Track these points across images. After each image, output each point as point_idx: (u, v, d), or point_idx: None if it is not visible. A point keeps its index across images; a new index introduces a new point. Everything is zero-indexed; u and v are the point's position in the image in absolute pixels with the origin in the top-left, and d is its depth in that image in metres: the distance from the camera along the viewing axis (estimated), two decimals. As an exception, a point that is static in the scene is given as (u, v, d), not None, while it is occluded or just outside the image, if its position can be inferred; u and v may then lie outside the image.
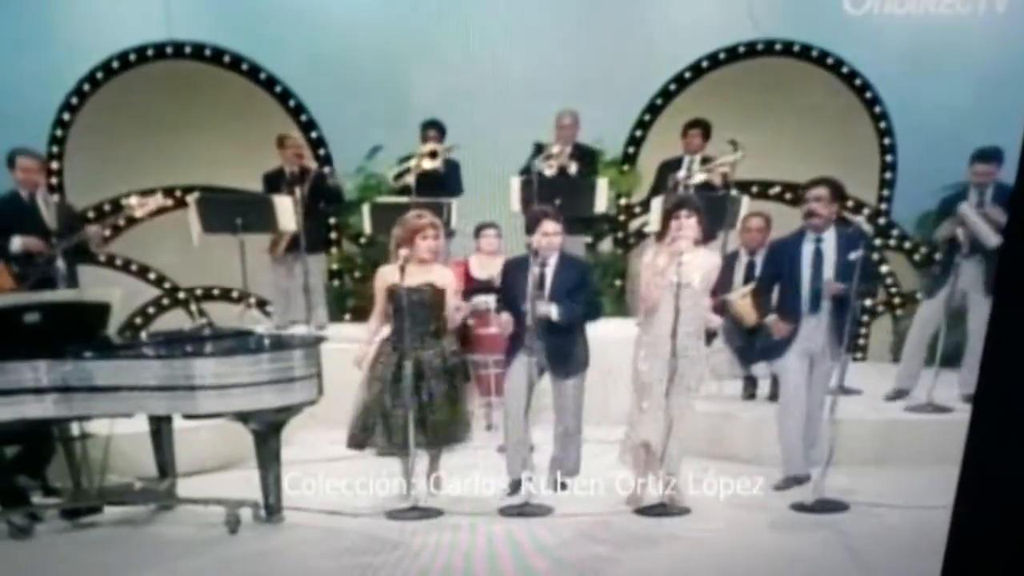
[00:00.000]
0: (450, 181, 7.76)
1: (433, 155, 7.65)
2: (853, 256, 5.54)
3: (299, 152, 7.92)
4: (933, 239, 6.88)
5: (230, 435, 5.98)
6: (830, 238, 5.75)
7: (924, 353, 6.95)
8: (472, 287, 6.81)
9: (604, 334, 6.31)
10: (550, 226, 5.59)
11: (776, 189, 8.52)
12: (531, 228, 5.66)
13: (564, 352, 5.63)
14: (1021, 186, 3.89)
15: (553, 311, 5.49)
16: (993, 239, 6.47)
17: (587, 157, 7.99)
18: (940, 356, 6.69)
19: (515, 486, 5.65)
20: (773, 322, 5.85)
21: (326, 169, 8.38)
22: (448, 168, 7.76)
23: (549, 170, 7.63)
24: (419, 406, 5.51)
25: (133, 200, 6.71)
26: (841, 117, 8.47)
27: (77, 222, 6.95)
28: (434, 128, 7.86)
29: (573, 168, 7.76)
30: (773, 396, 6.43)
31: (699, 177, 7.57)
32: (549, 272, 5.61)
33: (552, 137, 7.88)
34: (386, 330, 5.70)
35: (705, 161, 7.68)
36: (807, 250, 5.76)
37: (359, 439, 5.65)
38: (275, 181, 7.80)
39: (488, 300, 6.63)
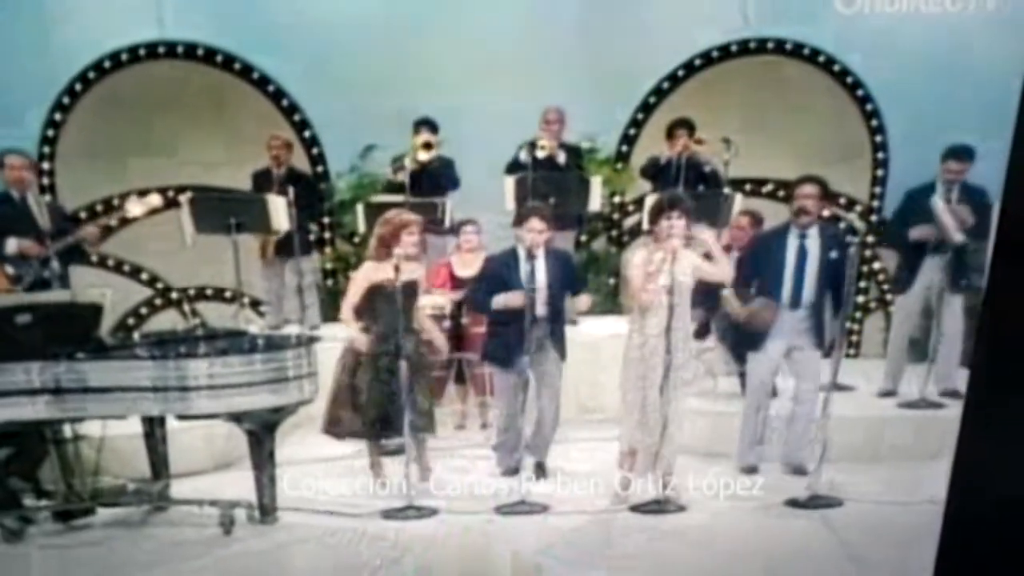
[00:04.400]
0: (444, 177, 7.75)
1: (428, 146, 7.65)
2: (835, 255, 5.66)
3: (277, 153, 7.91)
4: (908, 238, 6.88)
5: (224, 436, 5.98)
6: (814, 235, 5.92)
7: (904, 351, 6.99)
8: (457, 286, 6.81)
9: (597, 331, 6.34)
10: (536, 224, 5.81)
11: (769, 187, 8.52)
12: (519, 223, 5.90)
13: (560, 335, 5.93)
14: (1011, 182, 3.91)
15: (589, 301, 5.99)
16: (957, 236, 6.54)
17: (574, 154, 8.02)
18: (932, 352, 6.71)
19: (511, 472, 5.82)
20: (763, 304, 5.94)
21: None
22: (442, 165, 7.76)
23: (541, 151, 7.64)
24: (404, 396, 5.58)
25: (130, 202, 6.72)
26: (833, 114, 8.47)
27: (69, 222, 6.94)
28: (427, 126, 7.86)
29: (562, 158, 7.80)
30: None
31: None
32: (540, 267, 5.82)
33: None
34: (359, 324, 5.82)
35: (692, 163, 7.71)
36: (792, 245, 5.92)
37: (335, 426, 5.80)
38: (262, 180, 7.82)
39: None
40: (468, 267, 6.84)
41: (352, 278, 5.93)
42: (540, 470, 6.00)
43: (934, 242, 6.64)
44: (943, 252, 6.62)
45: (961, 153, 6.62)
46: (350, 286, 5.86)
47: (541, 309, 5.80)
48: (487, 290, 5.95)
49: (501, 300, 5.82)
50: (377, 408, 5.68)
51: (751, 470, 6.00)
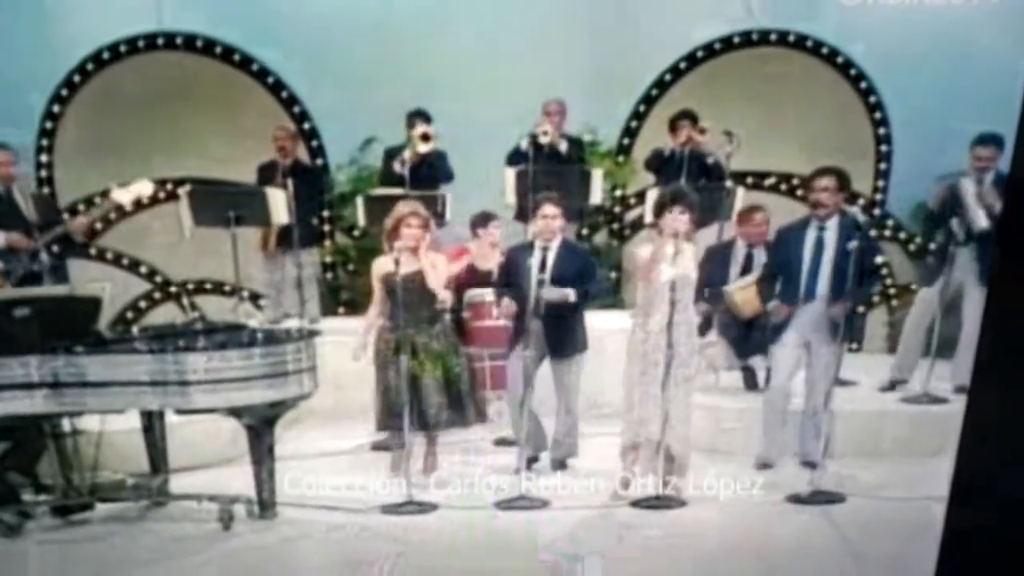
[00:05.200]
0: (439, 170, 7.75)
1: (426, 138, 7.62)
2: (851, 245, 5.65)
3: (283, 144, 7.90)
4: (928, 211, 6.86)
5: (223, 430, 5.96)
6: (833, 226, 5.91)
7: (921, 343, 6.94)
8: (476, 279, 6.78)
9: (600, 325, 6.33)
10: (550, 209, 5.83)
11: (771, 180, 8.50)
12: (532, 212, 5.92)
13: (562, 334, 5.82)
14: (1016, 176, 3.88)
15: (570, 294, 5.70)
16: (983, 221, 6.48)
17: (575, 146, 8.01)
18: (936, 346, 6.68)
19: (530, 462, 5.82)
20: (774, 307, 5.91)
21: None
22: (436, 157, 7.74)
23: (544, 137, 7.61)
24: (415, 389, 5.66)
25: (116, 191, 6.63)
26: (836, 107, 8.46)
27: (57, 214, 6.92)
28: (420, 117, 7.85)
29: (563, 147, 7.80)
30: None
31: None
32: (551, 256, 5.80)
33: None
34: (381, 319, 5.85)
35: (695, 154, 7.69)
36: (810, 238, 5.94)
37: (384, 422, 5.85)
38: (268, 173, 7.79)
39: (484, 293, 6.62)
40: (488, 260, 6.84)
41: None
42: (557, 464, 5.99)
43: (962, 234, 6.57)
44: (968, 244, 6.57)
45: (989, 139, 6.56)
46: (373, 284, 5.92)
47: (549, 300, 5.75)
48: (504, 283, 5.98)
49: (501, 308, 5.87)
50: (395, 402, 5.69)
51: (767, 466, 5.97)
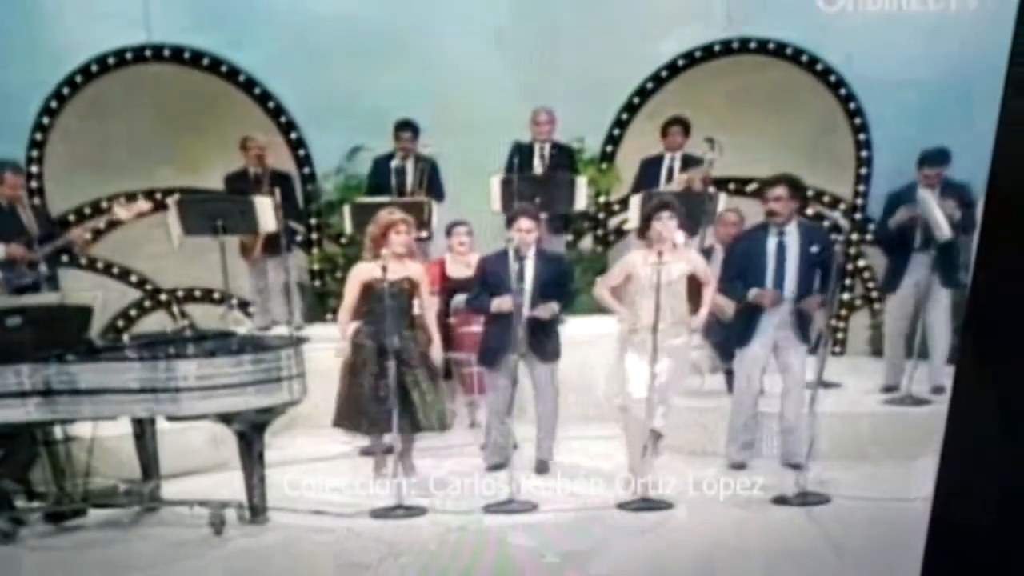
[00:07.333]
0: (433, 184, 7.81)
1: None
2: (815, 250, 5.86)
3: (261, 153, 7.95)
4: (888, 226, 6.95)
5: (214, 436, 5.99)
6: (792, 231, 6.05)
7: (903, 346, 7.04)
8: (449, 286, 6.85)
9: (584, 330, 6.40)
10: (525, 223, 5.94)
11: (753, 186, 8.56)
12: (509, 224, 6.02)
13: (546, 340, 5.97)
14: (995, 183, 3.96)
15: (555, 309, 5.88)
16: (946, 230, 6.57)
17: (566, 155, 8.08)
18: (917, 348, 6.77)
19: (495, 468, 5.88)
20: (757, 294, 5.99)
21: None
22: (431, 171, 7.81)
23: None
24: (403, 395, 5.73)
25: (118, 206, 6.76)
26: (817, 113, 8.51)
27: (55, 226, 6.96)
28: (408, 129, 7.91)
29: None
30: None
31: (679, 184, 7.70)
32: (529, 266, 5.93)
33: (529, 137, 7.97)
34: (355, 324, 5.92)
35: (687, 162, 7.77)
36: (771, 243, 6.06)
37: (345, 424, 5.93)
38: (238, 182, 7.83)
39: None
40: (460, 268, 6.88)
41: (347, 280, 5.98)
42: (542, 467, 6.07)
43: (920, 239, 6.69)
44: (929, 250, 6.67)
45: (936, 158, 6.70)
46: (345, 288, 5.94)
47: (529, 309, 5.84)
48: (483, 291, 6.04)
49: (495, 304, 5.91)
50: (376, 406, 5.74)
51: (740, 467, 6.06)
